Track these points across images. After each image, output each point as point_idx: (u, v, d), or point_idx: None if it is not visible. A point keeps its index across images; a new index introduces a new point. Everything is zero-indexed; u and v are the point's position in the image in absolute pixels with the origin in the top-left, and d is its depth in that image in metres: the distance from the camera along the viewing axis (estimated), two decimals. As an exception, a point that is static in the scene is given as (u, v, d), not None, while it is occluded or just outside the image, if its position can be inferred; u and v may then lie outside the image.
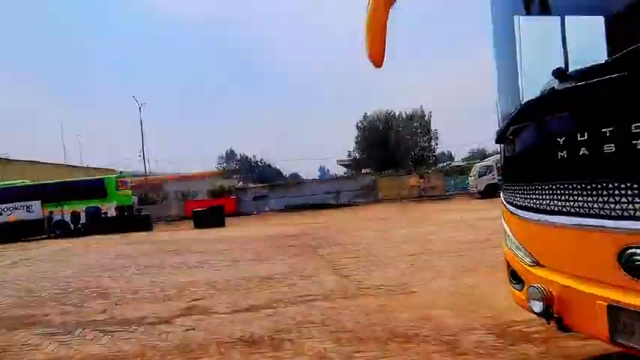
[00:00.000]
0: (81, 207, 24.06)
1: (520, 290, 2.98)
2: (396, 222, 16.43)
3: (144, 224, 23.34)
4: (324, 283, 6.61)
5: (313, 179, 42.89)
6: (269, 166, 63.60)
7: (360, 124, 50.99)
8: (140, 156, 41.98)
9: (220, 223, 21.92)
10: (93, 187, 24.83)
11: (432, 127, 48.53)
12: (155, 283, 7.68)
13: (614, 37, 2.70)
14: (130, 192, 27.12)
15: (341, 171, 55.06)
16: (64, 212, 23.89)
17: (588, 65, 2.54)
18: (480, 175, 28.27)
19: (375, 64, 3.24)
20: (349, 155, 53.95)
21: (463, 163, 45.74)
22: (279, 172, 62.97)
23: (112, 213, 24.16)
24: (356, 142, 51.83)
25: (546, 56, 3.14)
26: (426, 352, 3.60)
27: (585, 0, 2.97)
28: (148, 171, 43.90)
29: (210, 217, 22.09)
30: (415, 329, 4.16)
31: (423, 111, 48.41)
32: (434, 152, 50.47)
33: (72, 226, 23.68)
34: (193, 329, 4.80)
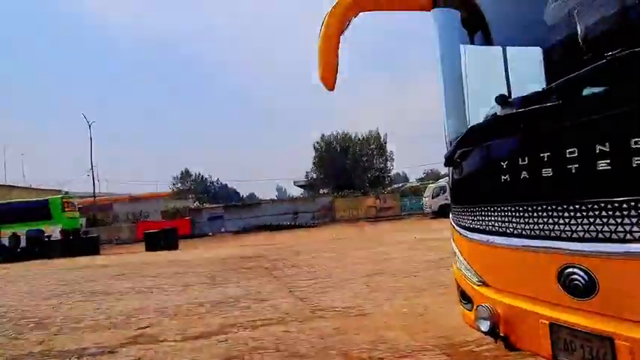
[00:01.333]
0: (21, 230, 22.63)
1: (469, 310, 3.04)
2: (352, 242, 16.52)
3: (91, 247, 22.24)
4: (279, 306, 6.49)
5: (271, 199, 42.55)
6: (225, 186, 62.73)
7: (317, 145, 51.46)
8: (89, 176, 40.19)
9: (173, 246, 21.25)
10: (36, 208, 23.49)
11: (388, 149, 49.73)
12: (100, 310, 7.27)
13: (551, 67, 2.88)
14: (77, 214, 25.87)
15: (298, 192, 55.16)
16: (1, 235, 22.38)
17: (527, 93, 2.70)
18: (434, 195, 29.09)
19: (327, 87, 3.28)
20: (306, 176, 54.18)
21: (418, 184, 46.97)
22: (235, 193, 62.16)
23: (56, 236, 22.89)
24: (313, 163, 52.18)
25: (490, 83, 3.30)
26: (381, 376, 3.58)
27: (524, 32, 3.17)
28: (97, 191, 42.03)
29: (162, 240, 21.38)
30: (370, 352, 4.14)
31: (378, 133, 49.60)
32: (389, 173, 51.61)
33: (11, 251, 22.17)
34: None
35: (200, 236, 31.28)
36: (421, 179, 55.29)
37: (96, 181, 40.41)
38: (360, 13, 3.30)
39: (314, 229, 29.47)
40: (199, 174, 63.03)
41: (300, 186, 56.18)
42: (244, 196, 61.79)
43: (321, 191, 47.63)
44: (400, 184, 52.24)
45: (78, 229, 25.07)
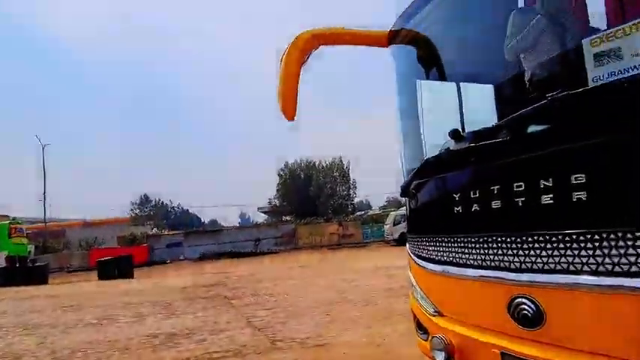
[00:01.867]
0: (-40, 257, 21.15)
1: (425, 340, 3.05)
2: (314, 270, 16.40)
3: (39, 276, 20.99)
4: (236, 337, 6.30)
5: (233, 226, 41.83)
6: (187, 212, 61.29)
7: (281, 172, 51.46)
8: (40, 200, 38.36)
9: (128, 274, 20.38)
10: (-20, 234, 22.05)
11: (351, 177, 50.32)
12: (43, 344, 6.81)
13: (502, 104, 3.03)
14: (25, 240, 24.45)
15: (263, 218, 54.60)
16: None
17: (478, 128, 2.82)
18: (395, 223, 29.46)
19: (287, 118, 3.31)
20: (270, 202, 53.84)
21: (380, 212, 47.52)
22: (197, 219, 60.83)
23: (1, 263, 21.48)
24: (277, 190, 52.01)
25: (445, 118, 3.44)
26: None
27: (477, 70, 3.34)
28: (48, 217, 40.06)
29: (116, 268, 20.48)
30: (328, 385, 4.06)
31: (342, 161, 50.20)
32: (353, 201, 52.05)
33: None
34: (84, 397, 4.28)
35: (158, 264, 30.22)
36: (384, 207, 55.99)
37: (47, 206, 38.63)
38: (321, 47, 3.38)
39: (276, 256, 29.10)
40: (159, 200, 61.43)
41: (264, 212, 55.71)
42: (206, 222, 60.52)
43: (285, 218, 47.37)
44: (363, 212, 52.68)
45: (26, 256, 23.65)
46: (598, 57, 1.86)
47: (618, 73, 1.79)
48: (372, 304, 8.12)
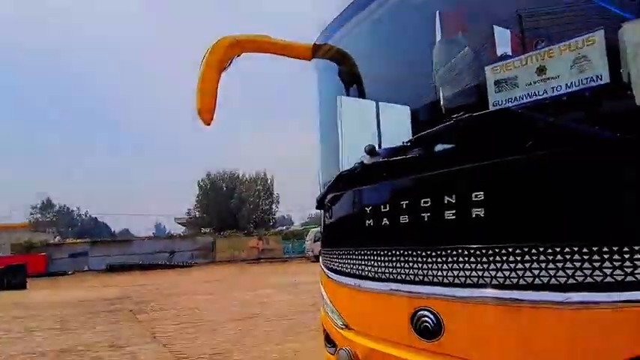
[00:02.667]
0: None
1: (332, 354, 3.03)
2: (230, 284, 15.94)
3: None
4: (137, 354, 5.88)
5: (145, 237, 39.57)
6: (95, 220, 57.11)
7: (202, 183, 49.92)
8: None
9: (20, 285, 18.39)
10: None
11: (274, 191, 50.09)
12: None
13: (415, 123, 3.15)
14: None
15: (180, 229, 52.34)
16: None
17: (392, 145, 2.91)
18: (316, 239, 29.62)
19: (204, 122, 3.20)
20: (189, 214, 51.87)
21: (301, 228, 47.69)
22: (106, 227, 56.89)
23: None
24: (197, 201, 50.31)
25: (362, 133, 3.51)
26: None
27: (393, 91, 3.47)
28: None
29: (6, 278, 18.40)
30: (232, 402, 3.90)
31: (265, 174, 49.89)
32: (274, 215, 51.75)
33: None
34: None
35: (58, 275, 27.62)
36: (305, 223, 56.32)
37: None
38: (243, 53, 3.32)
39: (192, 269, 27.92)
40: (64, 205, 56.50)
41: (182, 223, 53.48)
42: (116, 231, 56.80)
43: (204, 230, 45.79)
44: (285, 227, 52.56)
45: None
46: (498, 84, 2.00)
47: (514, 100, 1.93)
48: (285, 320, 8.03)
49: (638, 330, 1.54)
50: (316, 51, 3.46)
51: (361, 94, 3.46)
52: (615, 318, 1.59)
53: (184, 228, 51.90)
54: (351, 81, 3.46)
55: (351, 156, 3.10)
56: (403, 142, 2.58)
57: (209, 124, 3.20)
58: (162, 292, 14.26)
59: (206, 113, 3.16)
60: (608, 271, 1.61)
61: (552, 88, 1.81)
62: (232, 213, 46.18)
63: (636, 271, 1.55)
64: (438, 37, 2.84)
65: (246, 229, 41.53)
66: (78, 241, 35.93)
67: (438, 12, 2.75)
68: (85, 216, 57.54)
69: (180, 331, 7.40)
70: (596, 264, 1.63)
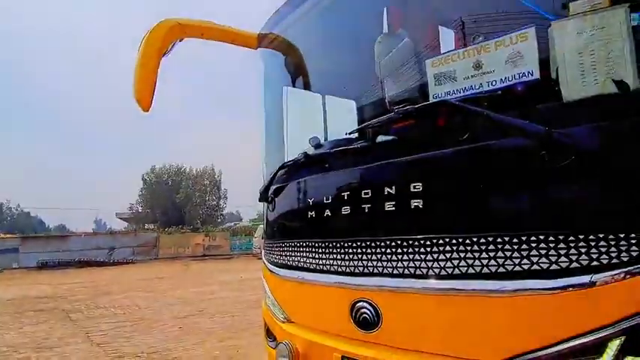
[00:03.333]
0: None
1: (273, 348, 2.99)
2: (174, 281, 15.46)
3: None
4: (68, 354, 5.55)
5: (82, 232, 37.53)
6: (27, 214, 53.56)
7: (146, 177, 48.09)
8: None
9: None
10: None
11: (222, 187, 49.17)
12: None
13: (360, 116, 3.16)
14: None
15: (122, 225, 50.17)
16: None
17: (335, 138, 2.90)
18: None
19: (142, 108, 3.04)
20: (131, 209, 49.83)
21: (250, 224, 47.12)
22: (40, 223, 53.54)
23: None
24: (140, 196, 48.42)
25: (307, 125, 3.49)
26: None
27: (338, 83, 3.47)
28: None
29: None
30: (168, 401, 3.76)
31: (213, 169, 48.87)
32: (222, 211, 50.81)
33: None
34: None
35: (-19, 272, 25.60)
36: (255, 220, 55.78)
37: None
38: (186, 38, 3.19)
39: (133, 266, 26.80)
40: (-8, 198, 52.61)
41: (124, 219, 51.27)
42: (52, 227, 53.58)
43: (147, 226, 44.11)
44: (233, 223, 51.74)
45: None
46: (437, 77, 2.03)
47: (452, 93, 1.97)
48: (229, 316, 7.89)
49: (568, 314, 1.61)
50: (262, 40, 3.39)
51: (306, 86, 3.43)
52: (545, 304, 1.66)
53: (126, 224, 49.83)
54: (297, 72, 3.42)
55: (296, 148, 3.07)
56: (346, 134, 2.57)
57: (147, 111, 3.05)
58: (99, 290, 13.58)
59: (144, 99, 3.01)
60: (536, 259, 1.68)
61: (488, 82, 1.86)
62: (178, 208, 44.86)
63: (561, 260, 1.62)
64: (382, 31, 2.87)
65: (192, 226, 40.47)
66: (7, 236, 33.50)
67: (382, 5, 2.77)
68: (16, 210, 53.86)
69: (116, 330, 7.07)
70: (526, 252, 1.70)
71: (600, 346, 1.53)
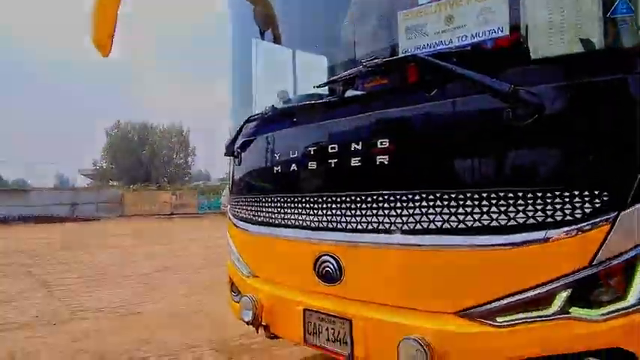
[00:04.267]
0: None
1: (237, 302, 3.01)
2: (139, 238, 15.29)
3: None
4: (27, 308, 5.45)
5: (44, 187, 36.29)
6: (-17, 168, 51.18)
7: (111, 132, 46.49)
8: None
9: None
10: None
11: (190, 144, 48.20)
12: None
13: (331, 71, 3.10)
14: None
15: (84, 182, 48.69)
16: None
17: (304, 92, 2.85)
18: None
19: (101, 53, 2.88)
20: (95, 165, 48.35)
21: (219, 183, 46.62)
22: (-2, 177, 51.34)
23: None
24: (104, 151, 46.91)
25: (277, 79, 3.40)
26: (138, 377, 3.28)
27: (310, 40, 3.37)
28: None
29: None
30: (131, 352, 3.78)
31: (181, 126, 47.67)
32: (190, 169, 50.03)
33: None
34: None
35: None
36: (223, 179, 55.19)
37: None
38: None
39: (97, 222, 26.28)
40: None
41: (87, 175, 49.76)
42: (10, 181, 51.51)
43: (112, 183, 43.02)
44: (201, 182, 51.08)
45: None
46: (408, 30, 1.98)
47: (422, 47, 1.94)
48: (195, 273, 7.91)
49: (522, 268, 1.68)
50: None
51: (276, 39, 3.31)
52: (502, 258, 1.72)
53: (90, 181, 48.44)
54: (266, 23, 3.29)
55: (263, 102, 3.00)
56: (314, 87, 2.52)
57: (106, 56, 2.89)
58: (61, 245, 13.30)
59: (103, 44, 2.85)
60: (496, 216, 1.72)
61: (458, 37, 1.84)
62: (144, 166, 43.86)
63: (519, 216, 1.66)
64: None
65: (159, 184, 39.74)
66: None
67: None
68: (-29, 163, 51.37)
69: (78, 285, 6.98)
70: (486, 209, 1.74)
71: (550, 297, 1.61)
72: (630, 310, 1.47)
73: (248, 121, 2.85)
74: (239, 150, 3.01)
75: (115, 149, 45.51)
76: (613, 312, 1.49)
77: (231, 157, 3.14)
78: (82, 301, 5.84)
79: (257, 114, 2.83)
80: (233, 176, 3.21)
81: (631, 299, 1.48)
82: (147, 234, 17.54)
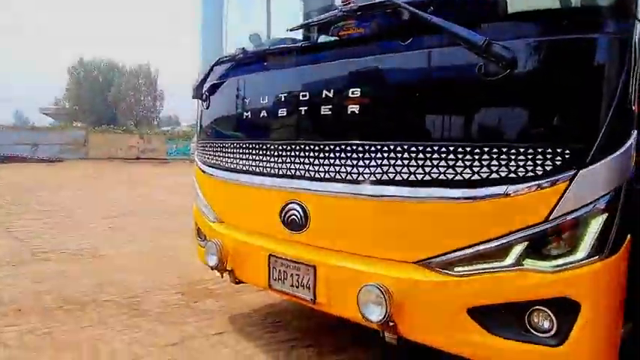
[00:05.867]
0: None
1: (203, 247, 3.02)
2: (105, 182, 14.95)
3: None
4: (-16, 249, 5.32)
5: (2, 126, 34.53)
6: None
7: (73, 70, 44.15)
8: None
9: None
10: None
11: (159, 88, 46.49)
12: None
13: (307, 17, 2.97)
14: None
15: (45, 122, 46.58)
16: None
17: (278, 37, 2.74)
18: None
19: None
20: (57, 104, 46.20)
21: (189, 129, 45.55)
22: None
23: None
24: (67, 90, 44.72)
25: (250, 23, 3.26)
26: (101, 318, 3.29)
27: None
28: None
29: None
30: (94, 295, 3.77)
31: (149, 68, 45.71)
32: (159, 113, 48.58)
33: None
34: None
35: None
36: (193, 125, 53.85)
37: None
38: None
39: (60, 164, 25.45)
40: None
41: (48, 114, 47.55)
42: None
43: (76, 124, 41.33)
44: (170, 127, 49.76)
45: None
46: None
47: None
48: (162, 219, 7.85)
49: (481, 221, 1.73)
50: None
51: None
52: (463, 211, 1.76)
53: (52, 120, 46.39)
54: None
55: (234, 44, 2.88)
56: (287, 30, 2.42)
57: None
58: (23, 186, 12.86)
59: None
60: (460, 170, 1.74)
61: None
62: (110, 107, 42.23)
63: (483, 170, 1.69)
64: None
65: (125, 126, 38.47)
66: None
67: None
68: None
69: (41, 227, 6.82)
70: (452, 162, 1.75)
71: (506, 250, 1.67)
72: (579, 263, 1.55)
73: (217, 63, 2.74)
74: (207, 93, 2.91)
75: (78, 88, 43.46)
76: (563, 265, 1.57)
77: (199, 101, 3.04)
78: (43, 243, 5.73)
79: (227, 56, 2.71)
80: (201, 120, 3.12)
81: (580, 253, 1.56)
82: (113, 177, 17.17)
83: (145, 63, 45.87)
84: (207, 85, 2.86)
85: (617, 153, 1.54)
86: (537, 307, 1.64)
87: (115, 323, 3.21)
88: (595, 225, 1.54)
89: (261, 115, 2.44)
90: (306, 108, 2.20)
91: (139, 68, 45.12)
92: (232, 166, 2.69)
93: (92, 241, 5.91)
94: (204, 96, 2.93)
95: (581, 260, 1.55)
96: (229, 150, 2.70)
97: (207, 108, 2.95)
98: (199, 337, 3.03)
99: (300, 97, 2.22)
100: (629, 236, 1.60)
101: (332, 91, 2.08)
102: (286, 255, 2.35)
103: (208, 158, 2.96)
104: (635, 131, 1.60)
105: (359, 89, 1.97)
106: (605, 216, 1.54)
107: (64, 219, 7.56)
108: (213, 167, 2.90)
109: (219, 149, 2.81)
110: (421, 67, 1.85)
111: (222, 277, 2.81)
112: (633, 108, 1.59)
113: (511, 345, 1.67)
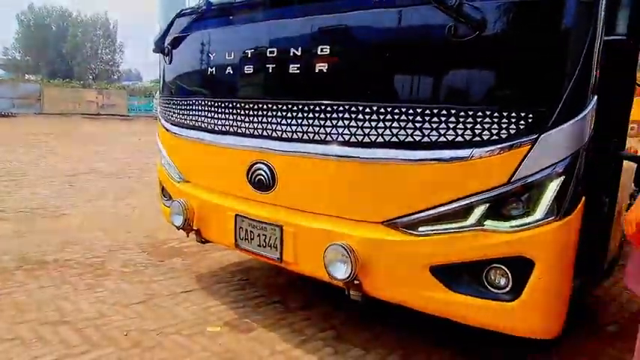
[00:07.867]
0: None
1: (168, 207, 2.97)
2: (63, 139, 14.32)
3: None
4: None
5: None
6: None
7: (23, 18, 41.12)
8: None
9: None
10: None
11: (118, 40, 44.12)
12: None
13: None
14: None
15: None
16: None
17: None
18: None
19: None
20: (6, 54, 43.23)
21: (152, 85, 43.81)
22: None
23: None
24: (17, 40, 41.81)
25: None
26: (63, 277, 3.23)
27: None
28: None
29: None
30: (55, 254, 3.68)
31: (107, 19, 43.16)
32: (118, 67, 46.37)
33: None
34: None
35: None
36: (156, 81, 51.80)
37: None
38: None
39: (13, 119, 24.11)
40: None
41: (-2, 65, 44.58)
42: None
43: (28, 77, 38.95)
44: (132, 82, 47.68)
45: None
46: None
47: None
48: (125, 177, 7.65)
49: (445, 183, 1.76)
50: None
51: None
52: (428, 173, 1.79)
53: (1, 72, 43.50)
54: None
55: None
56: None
57: None
58: (-29, 142, 12.17)
59: None
60: (427, 132, 1.75)
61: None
62: (66, 60, 39.90)
63: (449, 133, 1.71)
64: None
65: (83, 81, 36.60)
66: None
67: None
68: None
69: (-4, 184, 6.52)
70: (419, 124, 1.76)
71: (468, 210, 1.72)
72: (535, 224, 1.62)
73: (179, 15, 2.59)
74: (169, 47, 2.77)
75: (29, 38, 40.67)
76: (521, 225, 1.64)
77: (161, 55, 2.90)
78: (0, 200, 5.49)
79: (190, 8, 2.57)
80: (164, 75, 2.99)
81: (537, 215, 1.62)
82: (71, 133, 16.46)
83: (103, 12, 43.15)
84: (169, 39, 2.73)
85: (578, 118, 1.58)
86: (495, 265, 1.71)
87: (78, 283, 3.15)
88: (553, 188, 1.60)
89: (227, 71, 2.36)
90: (273, 65, 2.14)
91: (95, 17, 42.53)
92: (197, 125, 2.61)
93: (52, 199, 5.71)
94: (166, 50, 2.79)
95: (538, 221, 1.62)
96: (194, 108, 2.62)
97: (170, 63, 2.82)
98: (166, 295, 3.03)
99: (267, 54, 2.15)
100: (583, 198, 1.68)
101: (300, 48, 2.02)
102: (253, 215, 2.34)
103: (172, 115, 2.86)
104: (595, 96, 1.64)
105: (327, 47, 1.93)
106: (562, 179, 1.60)
107: (19, 176, 7.24)
108: (177, 125, 2.81)
109: (183, 107, 2.71)
110: (391, 26, 1.81)
111: (187, 236, 2.79)
112: (595, 73, 1.62)
113: (469, 301, 1.75)
